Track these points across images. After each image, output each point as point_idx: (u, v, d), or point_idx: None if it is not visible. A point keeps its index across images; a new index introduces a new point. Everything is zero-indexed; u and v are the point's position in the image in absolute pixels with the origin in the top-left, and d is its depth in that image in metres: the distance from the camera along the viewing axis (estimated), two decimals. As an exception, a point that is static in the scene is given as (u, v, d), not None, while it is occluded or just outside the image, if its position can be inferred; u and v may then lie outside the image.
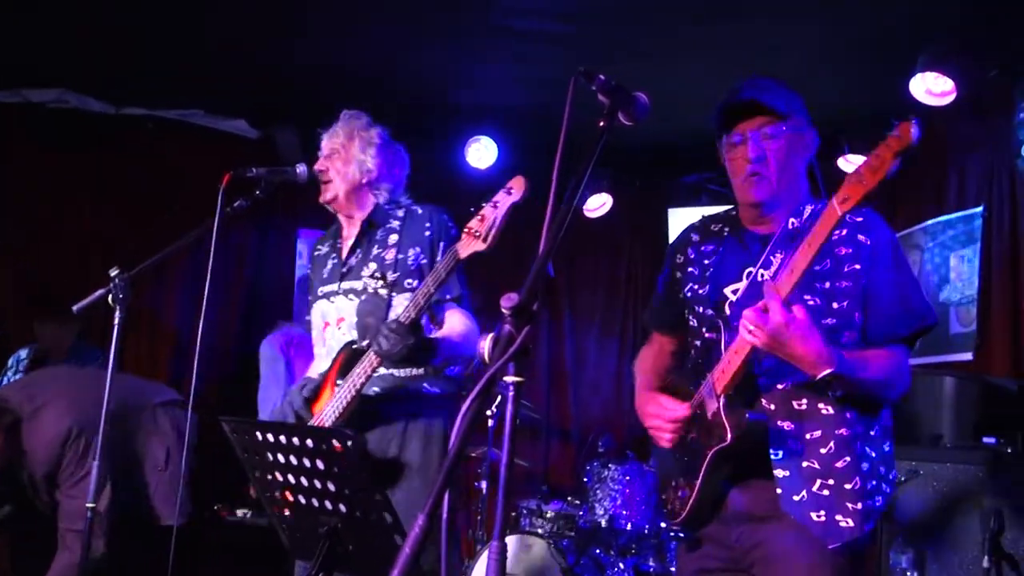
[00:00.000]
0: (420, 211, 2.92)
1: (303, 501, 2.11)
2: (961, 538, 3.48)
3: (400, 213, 2.93)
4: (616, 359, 6.45)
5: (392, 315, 2.71)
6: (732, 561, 2.17)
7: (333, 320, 2.90)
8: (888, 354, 2.10)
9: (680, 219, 6.28)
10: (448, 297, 2.78)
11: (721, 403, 2.06)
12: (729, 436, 2.03)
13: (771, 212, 2.23)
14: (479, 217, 2.49)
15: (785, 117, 2.16)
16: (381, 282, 2.77)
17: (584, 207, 6.13)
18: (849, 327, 2.10)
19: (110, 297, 2.71)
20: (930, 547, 3.55)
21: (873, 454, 2.12)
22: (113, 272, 2.72)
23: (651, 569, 4.44)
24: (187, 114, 5.71)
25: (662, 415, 2.20)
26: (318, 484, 2.04)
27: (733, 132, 2.20)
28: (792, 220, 2.20)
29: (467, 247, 2.50)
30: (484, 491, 4.84)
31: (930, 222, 4.98)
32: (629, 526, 4.53)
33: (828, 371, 1.93)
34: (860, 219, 2.14)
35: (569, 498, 4.93)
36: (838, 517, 2.02)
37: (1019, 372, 4.32)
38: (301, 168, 2.92)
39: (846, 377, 1.97)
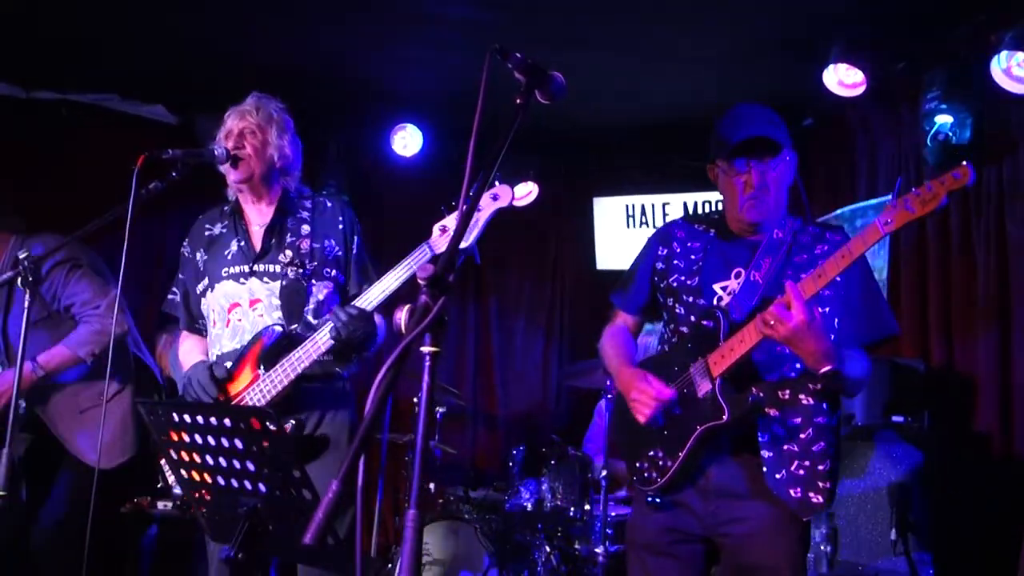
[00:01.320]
0: (329, 204, 3.03)
1: (222, 482, 2.09)
2: (871, 513, 3.62)
3: (308, 204, 3.01)
4: (543, 345, 6.50)
5: (312, 301, 2.85)
6: (700, 527, 2.41)
7: (245, 301, 2.90)
8: (861, 356, 2.37)
9: (605, 208, 6.36)
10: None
11: (717, 385, 2.31)
12: (727, 415, 2.28)
13: (761, 226, 2.48)
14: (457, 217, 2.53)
15: (781, 148, 2.41)
16: (300, 269, 2.86)
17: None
18: (831, 330, 2.33)
19: (19, 280, 2.64)
20: (842, 522, 3.68)
21: (834, 440, 2.40)
22: (22, 254, 2.66)
23: (576, 552, 4.50)
24: (102, 98, 5.54)
25: (649, 392, 2.37)
26: (237, 464, 2.02)
27: (735, 160, 2.42)
28: (776, 231, 2.46)
29: (443, 244, 2.54)
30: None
31: (843, 209, 5.14)
32: (554, 510, 4.59)
33: (830, 367, 2.19)
34: (839, 238, 2.44)
35: (495, 484, 4.96)
36: (811, 494, 2.31)
37: (926, 354, 4.50)
38: (219, 149, 2.89)
39: (841, 374, 2.23)
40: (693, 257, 2.54)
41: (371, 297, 2.69)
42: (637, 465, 2.49)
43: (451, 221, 2.59)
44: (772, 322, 2.14)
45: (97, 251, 3.79)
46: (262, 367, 2.73)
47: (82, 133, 5.51)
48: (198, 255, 3.04)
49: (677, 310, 2.52)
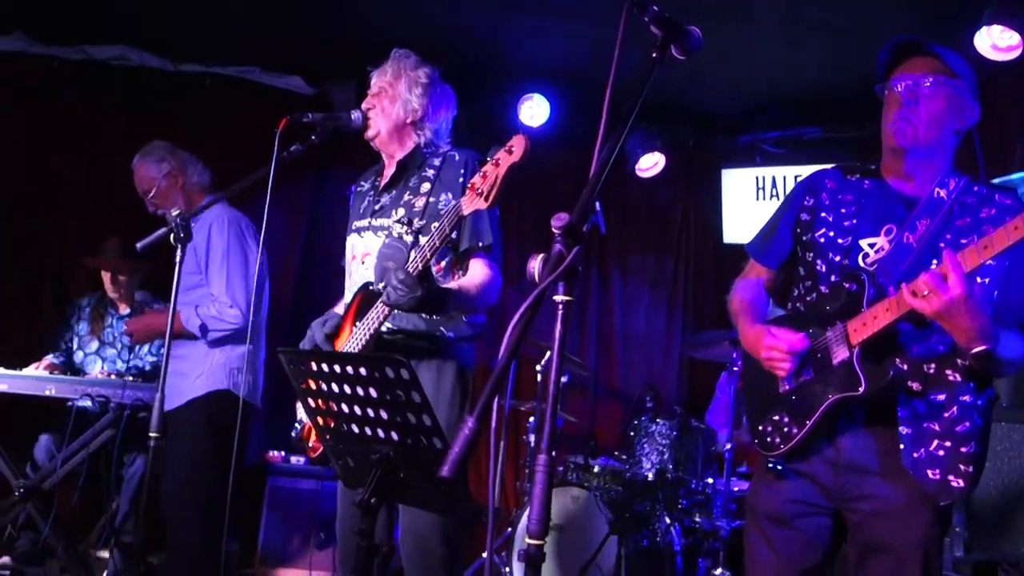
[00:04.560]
0: (457, 157, 2.93)
1: (356, 430, 2.16)
2: (1014, 497, 3.44)
3: (437, 161, 2.94)
4: (666, 318, 6.42)
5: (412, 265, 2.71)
6: (828, 500, 2.27)
7: (359, 255, 2.96)
8: (1018, 336, 2.14)
9: (734, 180, 6.22)
10: (479, 244, 2.82)
11: (855, 354, 2.14)
12: (863, 387, 2.12)
13: (914, 168, 2.28)
14: (482, 174, 2.47)
15: (951, 75, 2.20)
16: (407, 228, 2.80)
17: (637, 167, 6.10)
18: (989, 303, 2.14)
19: (171, 236, 2.80)
20: (982, 505, 3.52)
21: (981, 422, 2.18)
22: (174, 211, 2.82)
23: (696, 525, 4.46)
24: (244, 71, 5.78)
25: (780, 346, 2.24)
26: (371, 412, 2.08)
27: (894, 76, 2.25)
28: (938, 190, 2.23)
29: (470, 204, 2.48)
30: (532, 444, 4.90)
31: (995, 182, 4.87)
32: (676, 481, 4.56)
33: (984, 348, 1.99)
34: (1009, 202, 2.21)
35: (616, 453, 4.96)
36: (950, 477, 2.12)
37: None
38: (356, 114, 2.96)
39: (995, 355, 2.02)
40: (844, 211, 2.34)
41: (416, 260, 2.56)
42: (760, 428, 2.36)
43: (478, 179, 2.44)
44: (926, 292, 1.94)
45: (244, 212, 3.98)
46: (357, 322, 2.75)
47: (224, 104, 5.78)
48: (351, 209, 3.13)
49: (818, 267, 2.34)
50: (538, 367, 4.97)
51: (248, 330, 3.53)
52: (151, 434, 2.72)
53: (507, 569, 4.50)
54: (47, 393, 4.12)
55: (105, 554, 4.54)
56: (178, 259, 2.81)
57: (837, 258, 2.30)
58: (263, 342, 3.98)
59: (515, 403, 5.20)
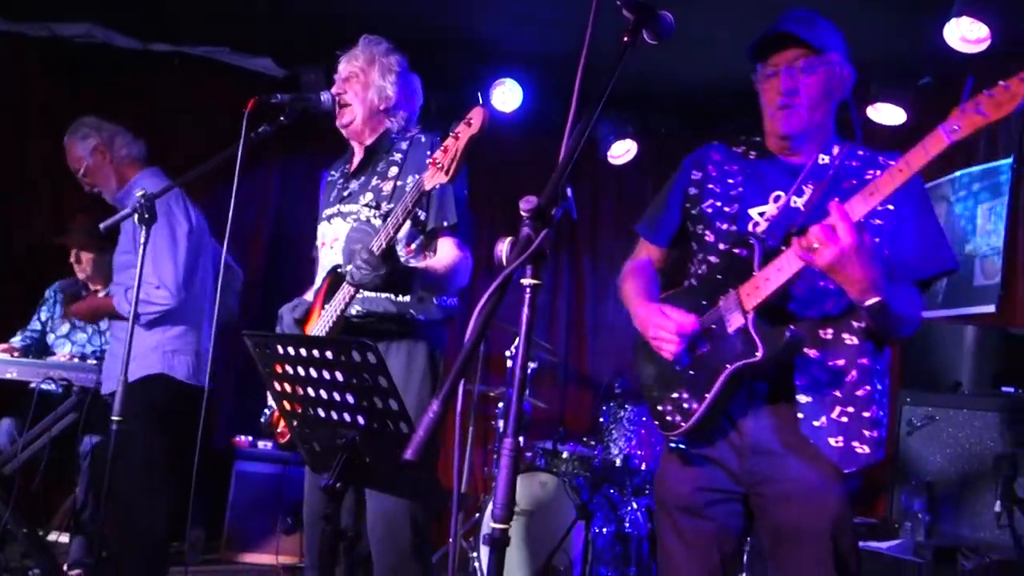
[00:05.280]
0: (423, 138, 2.91)
1: (322, 414, 2.14)
2: (974, 483, 3.50)
3: (404, 145, 2.93)
4: (636, 305, 6.44)
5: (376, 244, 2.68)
6: (735, 485, 2.21)
7: (329, 240, 2.94)
8: (912, 292, 2.14)
9: (704, 168, 6.23)
10: (445, 224, 2.81)
11: (750, 319, 2.08)
12: (761, 351, 2.04)
13: (800, 145, 2.28)
14: (442, 148, 2.45)
15: (821, 52, 2.19)
16: (375, 211, 2.80)
17: (609, 153, 6.10)
18: (879, 260, 2.09)
19: (136, 216, 2.76)
20: (944, 491, 3.57)
21: (880, 387, 2.17)
22: (138, 192, 2.77)
23: (664, 510, 4.48)
24: (213, 51, 5.70)
25: (667, 327, 2.16)
26: (337, 396, 2.07)
27: (767, 64, 2.24)
28: (822, 156, 2.24)
29: (432, 179, 2.47)
30: (501, 429, 4.90)
31: (958, 173, 4.92)
32: (643, 466, 4.58)
33: (877, 299, 1.95)
34: (893, 162, 2.15)
35: (585, 439, 4.98)
36: (855, 443, 2.08)
37: (1041, 324, 4.29)
38: (325, 95, 2.93)
39: (888, 307, 1.98)
40: (731, 181, 2.31)
41: (380, 238, 2.55)
42: (660, 409, 2.25)
43: (439, 154, 2.44)
44: (816, 245, 1.90)
45: (207, 197, 3.91)
46: (326, 306, 2.74)
47: (193, 84, 5.69)
48: (322, 199, 3.11)
49: (707, 237, 2.29)
50: (508, 352, 4.97)
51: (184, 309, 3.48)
52: (113, 418, 2.68)
53: (475, 554, 4.51)
54: (8, 376, 4.04)
55: (66, 539, 4.49)
56: (142, 240, 2.76)
57: (724, 226, 2.27)
58: (208, 321, 3.75)
59: (484, 388, 5.20)
